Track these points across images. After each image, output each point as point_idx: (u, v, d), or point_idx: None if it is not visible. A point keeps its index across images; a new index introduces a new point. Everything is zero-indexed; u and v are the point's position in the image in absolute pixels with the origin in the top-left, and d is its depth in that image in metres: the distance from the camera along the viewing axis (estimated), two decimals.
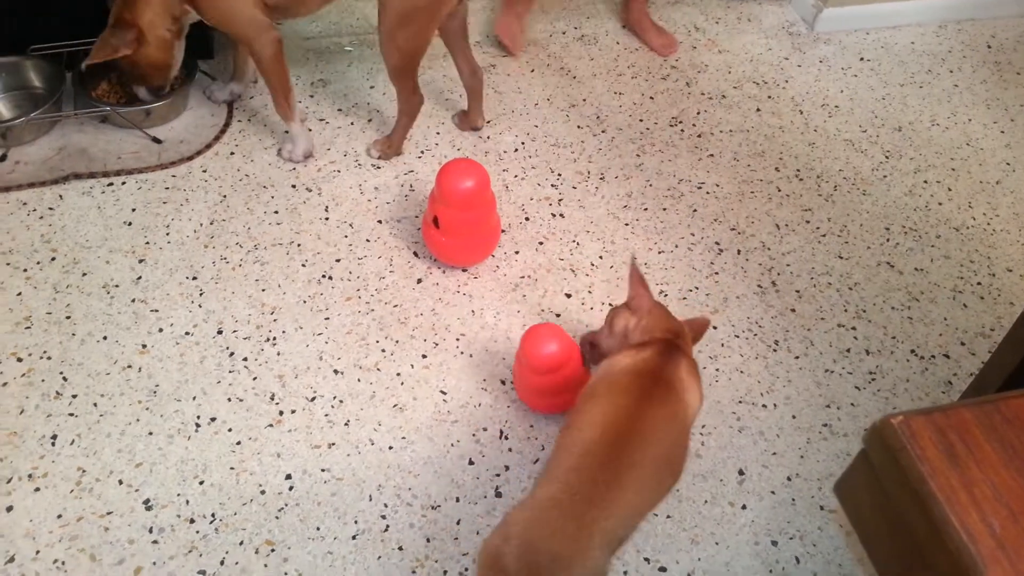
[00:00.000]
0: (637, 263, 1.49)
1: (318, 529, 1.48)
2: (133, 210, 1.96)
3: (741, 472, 1.61)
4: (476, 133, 2.24)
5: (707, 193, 2.15)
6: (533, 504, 1.18)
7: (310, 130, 2.18)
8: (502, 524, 1.19)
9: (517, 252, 1.96)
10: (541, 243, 1.99)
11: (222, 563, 1.42)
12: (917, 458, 0.60)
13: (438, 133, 2.23)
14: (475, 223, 1.81)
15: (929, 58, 2.66)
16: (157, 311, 1.77)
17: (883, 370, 1.80)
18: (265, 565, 1.43)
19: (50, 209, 1.95)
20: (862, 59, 2.62)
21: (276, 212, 1.99)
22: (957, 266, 2.04)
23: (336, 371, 1.70)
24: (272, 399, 1.65)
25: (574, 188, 2.13)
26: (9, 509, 1.46)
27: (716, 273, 1.96)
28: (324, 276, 1.87)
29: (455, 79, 2.34)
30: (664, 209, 2.10)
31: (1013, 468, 0.61)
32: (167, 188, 2.02)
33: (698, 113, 2.37)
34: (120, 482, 1.51)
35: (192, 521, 1.47)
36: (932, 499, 0.59)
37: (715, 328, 1.85)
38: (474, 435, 1.62)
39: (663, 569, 1.47)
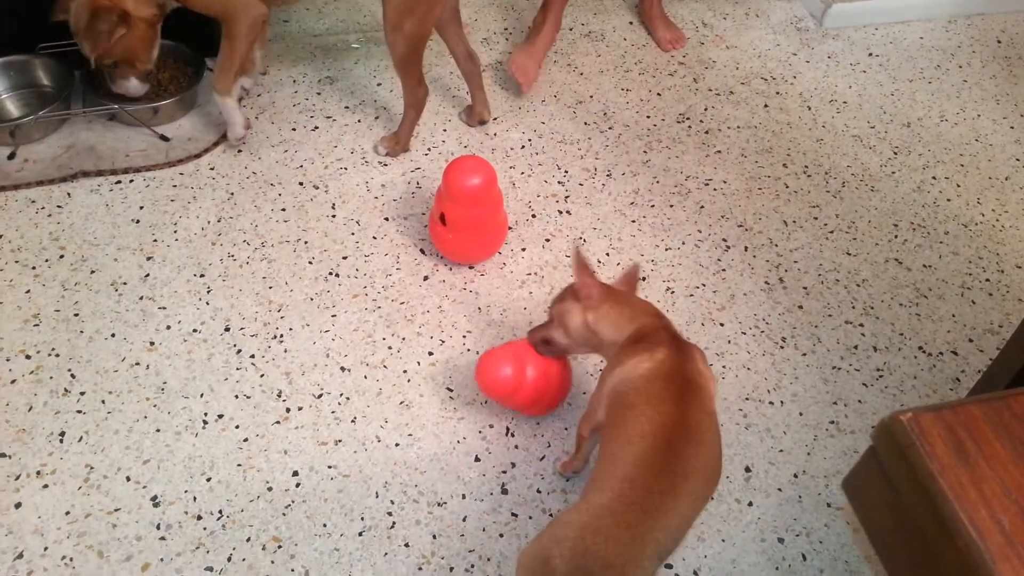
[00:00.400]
0: (582, 250, 1.47)
1: (325, 526, 1.48)
2: (141, 208, 1.97)
3: (748, 469, 1.61)
4: (483, 129, 2.24)
5: (714, 190, 2.14)
6: (587, 509, 1.16)
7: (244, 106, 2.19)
8: (552, 526, 1.17)
9: (524, 249, 1.96)
10: (548, 240, 1.99)
11: (229, 559, 1.43)
12: (926, 455, 0.60)
13: (445, 130, 2.23)
14: (482, 220, 1.81)
15: (938, 53, 2.64)
16: (165, 308, 1.78)
17: (891, 367, 1.79)
18: (272, 561, 1.43)
19: (58, 207, 1.96)
20: (871, 55, 2.61)
21: (283, 210, 2.00)
22: (965, 262, 2.03)
23: (343, 368, 1.71)
24: (279, 396, 1.65)
25: (581, 185, 2.12)
26: (18, 506, 1.47)
27: (723, 270, 1.96)
28: (331, 273, 1.87)
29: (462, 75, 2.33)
30: (671, 206, 2.09)
31: (1022, 464, 0.61)
32: (175, 186, 2.03)
33: (705, 109, 2.36)
34: (128, 479, 1.52)
35: (199, 518, 1.48)
36: (941, 496, 0.58)
37: (722, 325, 1.85)
38: (480, 432, 1.62)
39: (669, 566, 1.47)
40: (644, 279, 1.92)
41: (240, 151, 2.12)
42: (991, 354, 1.82)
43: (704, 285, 1.92)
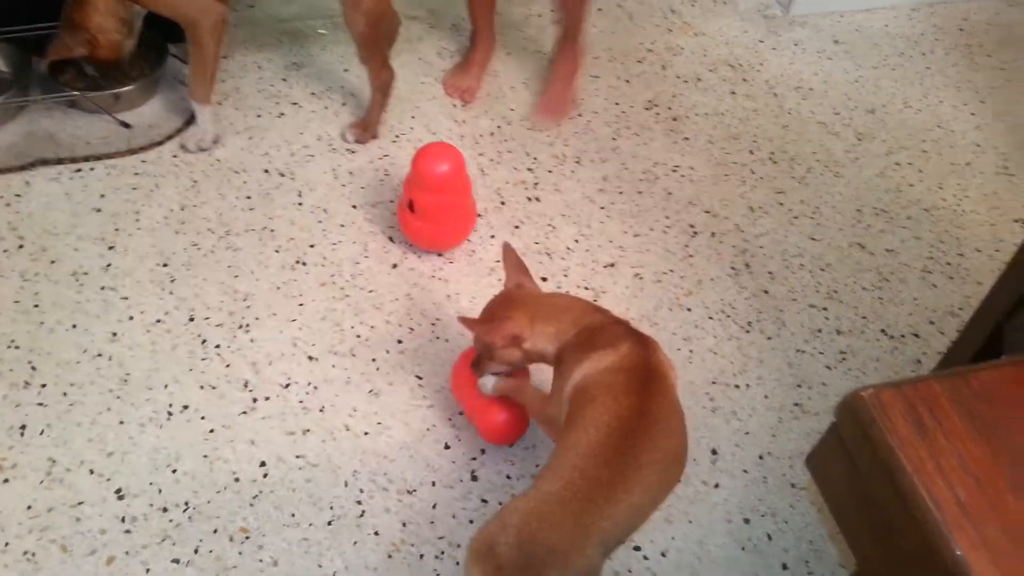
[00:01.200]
0: (510, 246, 1.46)
1: (293, 516, 1.47)
2: (102, 196, 1.93)
3: (714, 452, 1.62)
4: (452, 116, 2.22)
5: (682, 176, 2.15)
6: (535, 496, 1.17)
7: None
8: (500, 513, 1.18)
9: (493, 236, 1.96)
10: (517, 227, 1.99)
11: (196, 551, 1.41)
12: (887, 430, 0.61)
13: (413, 117, 2.21)
14: (450, 207, 1.80)
15: (902, 41, 2.68)
16: (127, 299, 1.75)
17: (854, 349, 1.82)
18: (240, 552, 1.42)
19: (17, 196, 1.91)
20: (836, 42, 2.64)
21: (248, 197, 1.97)
22: (927, 247, 2.06)
23: (310, 357, 1.69)
24: (245, 386, 1.63)
25: (550, 172, 2.12)
26: None
27: (690, 256, 1.97)
28: (298, 262, 1.86)
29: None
30: (639, 192, 2.10)
31: (980, 439, 0.62)
32: (137, 174, 1.99)
33: (673, 96, 2.37)
34: (91, 472, 1.49)
35: (165, 510, 1.46)
36: (900, 470, 0.59)
37: (689, 310, 1.86)
38: (450, 419, 1.62)
39: (637, 548, 1.48)
40: (612, 265, 1.92)
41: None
42: (951, 336, 1.86)
43: (672, 271, 1.93)
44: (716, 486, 1.57)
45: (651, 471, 1.20)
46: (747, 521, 1.53)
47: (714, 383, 1.73)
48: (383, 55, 1.99)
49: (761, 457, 1.62)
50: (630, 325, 1.36)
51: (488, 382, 1.48)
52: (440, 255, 1.90)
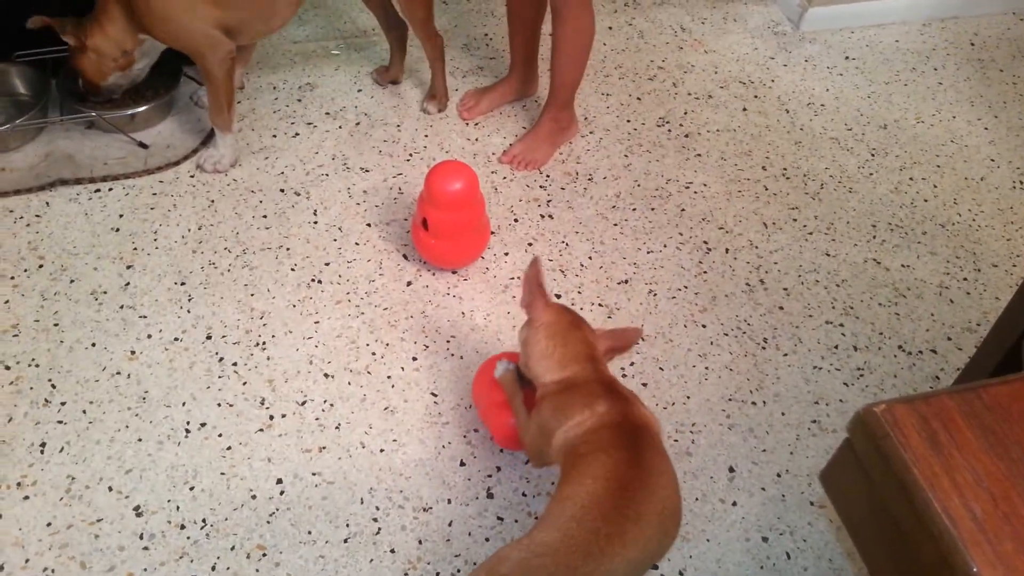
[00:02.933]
0: (537, 262, 1.42)
1: (309, 533, 1.47)
2: (120, 216, 1.96)
3: (731, 469, 1.62)
4: (465, 135, 2.24)
5: (695, 193, 2.16)
6: (528, 546, 1.15)
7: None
8: (492, 559, 1.16)
9: (507, 253, 1.97)
10: (530, 244, 2.00)
11: (213, 568, 1.42)
12: (900, 445, 0.61)
13: (426, 136, 2.23)
14: (464, 225, 1.82)
15: (914, 56, 2.68)
16: (146, 317, 1.77)
17: (871, 366, 1.81)
18: (257, 570, 1.42)
19: (37, 216, 1.94)
20: (847, 58, 2.64)
21: (264, 216, 1.99)
22: (943, 262, 2.05)
23: (326, 375, 1.70)
24: (262, 404, 1.65)
25: (563, 189, 2.13)
26: None
27: (704, 272, 1.97)
28: (313, 280, 1.87)
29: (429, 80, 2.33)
30: (652, 209, 2.11)
31: (994, 454, 0.62)
32: (154, 194, 2.02)
33: (685, 113, 2.38)
34: (110, 489, 1.50)
35: (183, 527, 1.47)
36: (915, 485, 0.59)
37: (704, 327, 1.86)
38: (465, 436, 1.62)
39: (655, 567, 1.47)
40: (626, 282, 1.93)
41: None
42: (969, 352, 1.84)
43: (686, 287, 1.93)
44: (734, 504, 1.57)
45: (649, 525, 1.17)
46: (765, 539, 1.53)
47: (730, 400, 1.73)
48: (433, 27, 2.15)
49: (779, 475, 1.62)
50: (613, 383, 1.33)
51: (501, 366, 1.49)
52: (454, 272, 1.91)
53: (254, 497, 1.51)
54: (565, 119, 2.19)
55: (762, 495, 1.58)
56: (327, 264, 1.91)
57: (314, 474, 1.55)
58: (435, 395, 1.68)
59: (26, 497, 1.48)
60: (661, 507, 1.20)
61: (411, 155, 2.18)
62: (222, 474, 1.54)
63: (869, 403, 0.64)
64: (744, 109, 2.41)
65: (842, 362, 1.81)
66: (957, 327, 1.91)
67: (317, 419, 1.63)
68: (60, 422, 1.59)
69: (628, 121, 2.34)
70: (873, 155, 2.32)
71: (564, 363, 1.34)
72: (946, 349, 1.86)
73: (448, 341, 1.78)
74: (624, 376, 1.74)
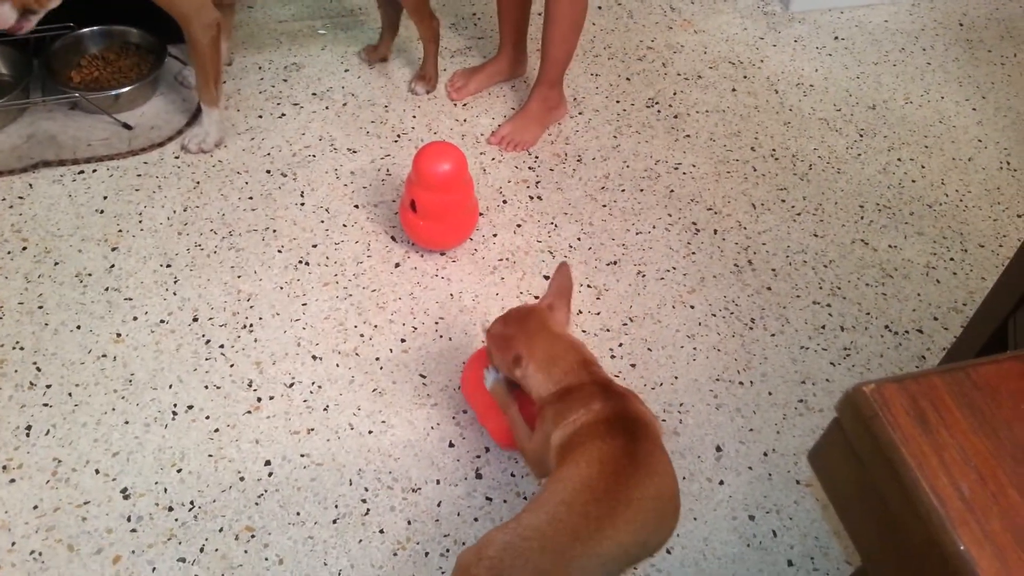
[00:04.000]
0: (567, 268, 1.43)
1: (298, 514, 1.47)
2: (105, 198, 1.94)
3: (719, 448, 1.63)
4: (453, 115, 2.22)
5: (684, 174, 2.15)
6: (514, 529, 1.15)
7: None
8: (480, 542, 1.16)
9: (495, 235, 1.96)
10: (519, 226, 1.99)
11: (202, 550, 1.42)
12: (889, 424, 0.61)
13: (414, 116, 2.22)
14: (453, 206, 1.81)
15: (902, 36, 2.67)
16: (131, 299, 1.76)
17: (857, 346, 1.82)
18: (245, 551, 1.42)
19: (20, 198, 1.92)
20: (836, 38, 2.64)
21: (251, 198, 1.97)
22: (930, 242, 2.06)
23: (314, 357, 1.70)
24: (250, 386, 1.64)
25: (551, 170, 2.12)
26: None
27: (693, 253, 1.97)
28: (301, 262, 1.86)
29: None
30: (641, 190, 2.10)
31: (982, 433, 0.62)
32: (139, 175, 1.99)
33: (674, 94, 2.37)
34: (97, 471, 1.50)
35: (171, 509, 1.46)
36: (903, 464, 0.60)
37: (692, 308, 1.86)
38: (454, 417, 1.62)
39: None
40: (615, 263, 1.93)
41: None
42: (955, 332, 1.86)
43: (674, 268, 1.93)
44: (721, 483, 1.58)
45: (642, 510, 1.17)
46: (752, 518, 1.54)
47: (718, 380, 1.73)
48: (429, 8, 2.12)
49: (766, 454, 1.63)
50: (610, 385, 1.32)
51: (490, 376, 1.48)
52: (442, 254, 1.90)
53: (242, 479, 1.51)
54: (554, 99, 2.17)
55: (749, 474, 1.59)
56: (314, 246, 1.89)
57: (302, 456, 1.55)
58: (423, 376, 1.68)
59: (12, 480, 1.47)
60: (656, 493, 1.19)
61: (399, 136, 2.16)
62: (210, 456, 1.53)
63: (858, 383, 0.64)
64: (733, 90, 2.41)
65: (829, 342, 1.82)
66: (944, 307, 1.92)
67: (305, 401, 1.63)
68: (46, 405, 1.58)
69: (617, 102, 2.33)
70: (861, 136, 2.32)
71: (558, 379, 1.33)
72: (932, 329, 1.87)
73: (436, 323, 1.78)
74: (613, 357, 1.75)
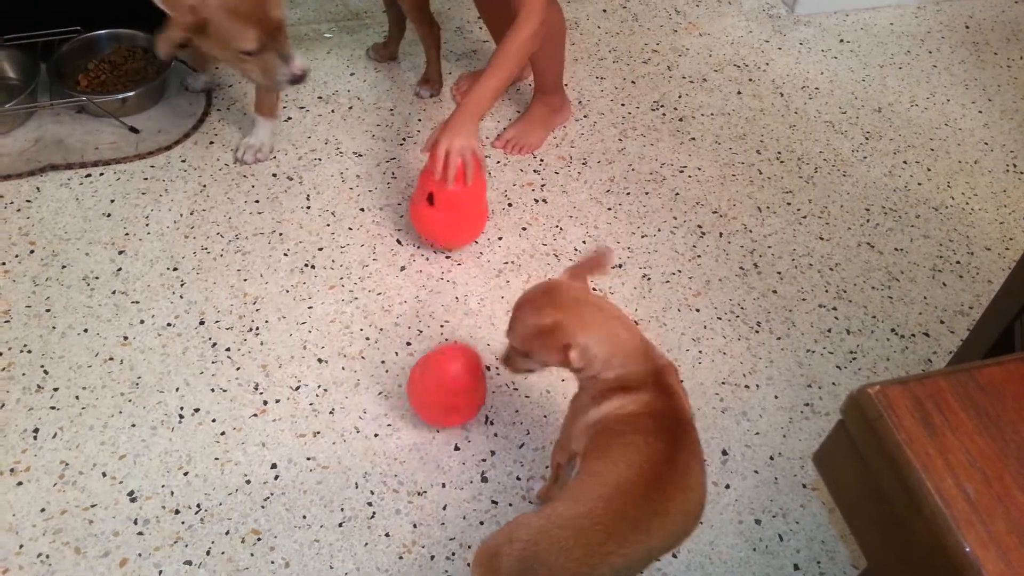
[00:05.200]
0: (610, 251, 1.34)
1: (304, 517, 1.48)
2: (112, 201, 1.95)
3: (724, 452, 1.62)
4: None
5: (689, 177, 2.15)
6: (549, 516, 1.14)
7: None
8: (510, 524, 1.16)
9: (500, 238, 1.96)
10: (524, 228, 1.99)
11: (208, 553, 1.42)
12: (894, 426, 0.61)
13: (419, 120, 2.22)
14: (471, 198, 1.80)
15: (908, 39, 2.67)
16: (138, 303, 1.76)
17: (864, 349, 1.82)
18: (252, 554, 1.42)
19: (27, 201, 1.93)
20: (842, 41, 2.63)
21: (257, 201, 1.98)
22: (936, 245, 2.06)
23: (320, 360, 1.70)
24: (256, 389, 1.64)
25: (556, 173, 2.13)
26: None
27: (698, 256, 1.97)
28: (307, 265, 1.86)
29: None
30: (646, 193, 2.10)
31: (987, 434, 0.62)
32: (146, 179, 2.00)
33: (679, 97, 2.37)
34: (104, 474, 1.50)
35: (177, 512, 1.47)
36: (908, 466, 0.59)
37: (698, 311, 1.86)
38: None
39: None
40: (620, 266, 1.93)
41: (212, 143, 2.10)
42: (962, 335, 1.85)
43: (680, 271, 1.93)
44: (727, 487, 1.57)
45: (673, 522, 1.16)
46: (758, 522, 1.53)
47: (724, 383, 1.73)
48: (430, 13, 2.12)
49: (772, 458, 1.62)
50: (663, 373, 1.25)
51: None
52: (448, 257, 1.91)
53: (248, 482, 1.51)
54: (556, 102, 2.18)
55: (755, 478, 1.59)
56: (320, 249, 1.90)
57: (308, 459, 1.55)
58: None
59: (19, 483, 1.48)
60: (687, 508, 1.18)
61: (404, 139, 2.17)
62: (216, 459, 1.54)
63: (863, 384, 0.64)
64: (739, 93, 2.41)
65: (835, 345, 1.82)
66: (950, 310, 1.92)
67: (311, 404, 1.63)
68: (53, 408, 1.59)
69: (622, 105, 2.33)
70: (867, 138, 2.32)
71: (620, 364, 1.23)
72: (939, 332, 1.87)
73: (442, 326, 1.78)
74: None
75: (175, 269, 1.83)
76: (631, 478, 1.15)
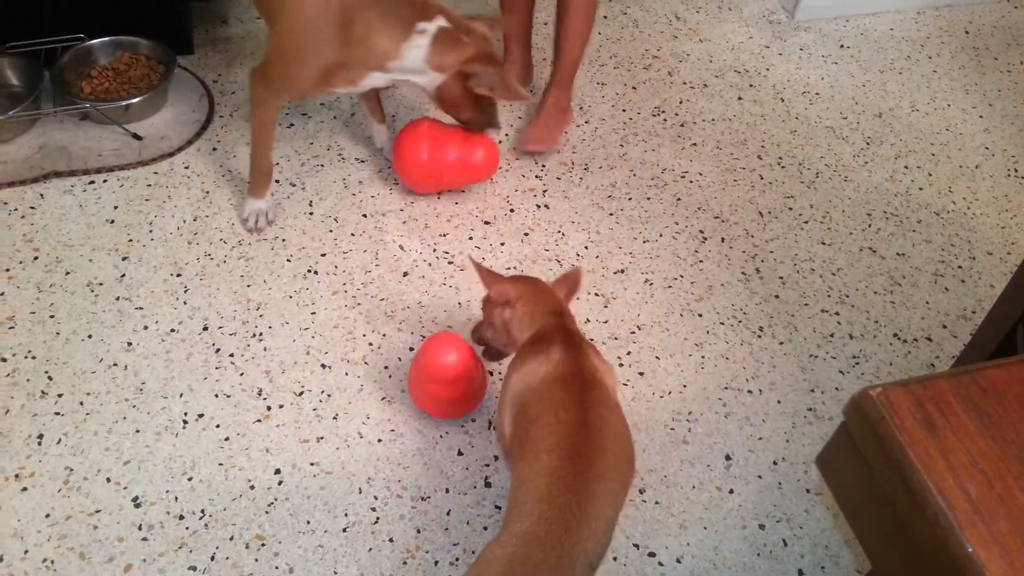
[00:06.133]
0: (476, 261, 1.49)
1: (308, 523, 1.48)
2: (115, 208, 1.95)
3: (728, 457, 1.62)
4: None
5: (690, 182, 2.16)
6: (510, 541, 1.15)
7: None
8: (479, 563, 1.16)
9: (503, 244, 1.97)
10: (526, 234, 2.00)
11: (212, 559, 1.42)
12: (896, 428, 0.61)
13: None
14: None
15: (908, 44, 2.68)
16: (142, 309, 1.77)
17: (866, 354, 1.82)
18: (256, 560, 1.43)
19: (31, 208, 1.94)
20: (842, 46, 2.64)
21: None
22: (938, 250, 2.06)
23: (323, 365, 1.70)
24: (259, 394, 1.65)
25: (558, 179, 2.13)
26: None
27: (701, 261, 1.97)
28: (309, 271, 1.87)
29: None
30: (648, 199, 2.11)
31: (988, 436, 0.62)
32: (149, 185, 2.01)
33: (680, 102, 2.38)
34: (108, 480, 1.51)
35: (181, 517, 1.47)
36: (911, 467, 0.60)
37: (700, 316, 1.86)
38: (462, 426, 1.63)
39: (652, 555, 1.48)
40: (623, 271, 1.93)
41: (215, 149, 2.11)
42: (964, 339, 1.85)
43: (682, 276, 1.94)
44: (731, 492, 1.57)
45: (610, 479, 1.19)
46: (762, 527, 1.53)
47: (727, 388, 1.73)
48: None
49: (775, 463, 1.62)
50: (570, 328, 1.38)
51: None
52: (451, 263, 1.91)
53: (252, 487, 1.51)
54: (564, 101, 2.20)
55: (759, 483, 1.59)
56: (323, 255, 1.90)
57: (312, 464, 1.55)
58: None
59: (24, 489, 1.48)
60: (614, 459, 1.21)
61: None
62: (220, 465, 1.54)
63: (865, 387, 0.65)
64: (739, 98, 2.41)
65: (838, 350, 1.82)
66: (952, 315, 1.92)
67: (315, 409, 1.63)
68: (57, 414, 1.59)
69: (623, 110, 2.34)
70: (868, 144, 2.32)
71: (535, 319, 1.40)
72: (941, 337, 1.87)
73: (445, 331, 1.78)
74: (621, 365, 1.75)
75: (179, 275, 1.83)
76: (554, 465, 1.18)
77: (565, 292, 1.47)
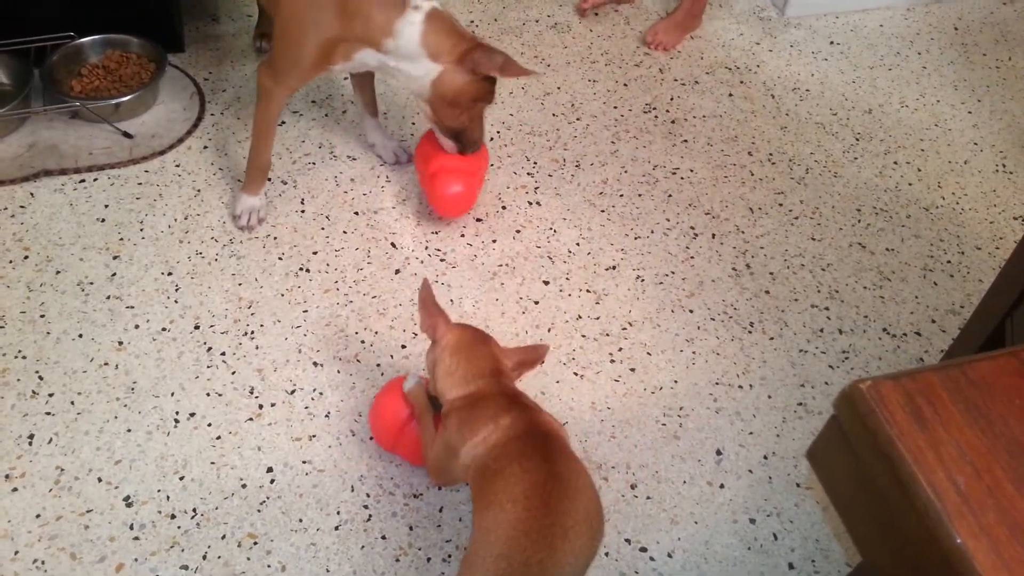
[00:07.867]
0: (428, 284, 1.41)
1: (300, 521, 1.48)
2: (106, 206, 1.95)
3: (719, 452, 1.63)
4: None
5: (682, 178, 2.17)
6: None
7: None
8: None
9: (495, 241, 1.97)
10: (518, 231, 2.00)
11: (204, 558, 1.42)
12: (886, 421, 0.62)
13: (414, 123, 2.23)
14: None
15: (898, 41, 2.69)
16: (133, 307, 1.76)
17: (856, 349, 1.83)
18: (248, 558, 1.42)
19: (21, 207, 1.93)
20: (832, 43, 2.65)
21: None
22: (927, 245, 2.07)
23: (315, 363, 1.70)
24: (251, 393, 1.64)
25: (550, 176, 2.14)
26: None
27: (691, 257, 1.98)
28: (301, 269, 1.87)
29: None
30: (639, 195, 2.11)
31: (977, 428, 0.63)
32: (140, 184, 2.00)
33: (671, 99, 2.39)
34: (99, 480, 1.50)
35: (173, 516, 1.47)
36: (900, 460, 0.60)
37: (691, 312, 1.87)
38: None
39: (644, 550, 1.49)
40: (614, 268, 1.94)
41: (206, 147, 2.10)
42: (953, 334, 1.87)
43: (673, 273, 1.94)
44: (721, 486, 1.58)
45: (578, 535, 1.14)
46: (753, 521, 1.54)
47: (717, 384, 1.74)
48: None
49: (766, 457, 1.63)
50: (517, 395, 1.30)
51: (411, 380, 1.47)
52: (443, 260, 1.91)
53: (244, 486, 1.51)
54: (698, 8, 2.51)
55: (749, 477, 1.60)
56: (315, 253, 1.90)
57: (304, 462, 1.55)
58: None
59: (15, 489, 1.48)
60: (584, 513, 1.16)
61: (399, 142, 2.17)
62: (212, 463, 1.54)
63: (855, 380, 0.65)
64: (730, 95, 2.42)
65: (827, 345, 1.83)
66: (941, 309, 1.93)
67: (307, 407, 1.63)
68: (48, 413, 1.58)
69: (615, 107, 2.34)
70: (858, 140, 2.33)
71: (468, 379, 1.32)
72: (930, 331, 1.88)
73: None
74: (612, 361, 1.75)
75: (170, 274, 1.83)
76: (520, 517, 1.12)
77: (519, 360, 1.38)
